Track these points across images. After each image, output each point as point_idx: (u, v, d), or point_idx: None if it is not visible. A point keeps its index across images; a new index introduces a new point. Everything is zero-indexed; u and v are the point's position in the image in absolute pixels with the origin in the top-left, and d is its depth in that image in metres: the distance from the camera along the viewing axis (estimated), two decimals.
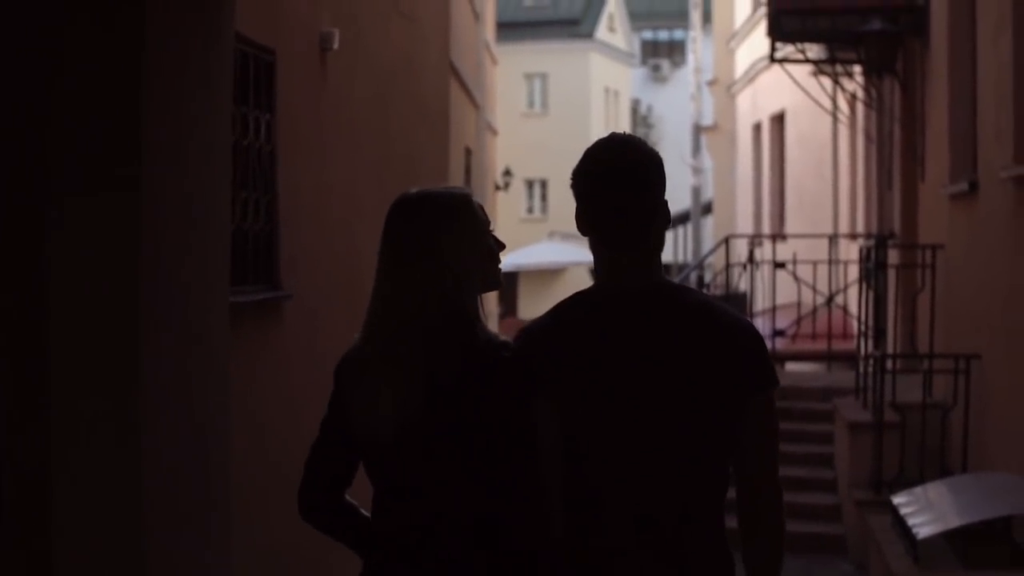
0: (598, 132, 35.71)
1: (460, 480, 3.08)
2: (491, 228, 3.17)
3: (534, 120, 44.14)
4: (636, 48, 52.23)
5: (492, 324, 21.70)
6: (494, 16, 22.40)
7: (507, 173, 28.28)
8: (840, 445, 11.17)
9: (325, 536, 3.25)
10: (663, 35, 52.89)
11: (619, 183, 2.97)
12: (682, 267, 28.23)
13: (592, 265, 3.11)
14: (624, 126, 49.14)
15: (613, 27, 48.23)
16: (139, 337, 3.72)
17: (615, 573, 2.99)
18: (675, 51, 51.31)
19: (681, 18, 42.55)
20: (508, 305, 42.00)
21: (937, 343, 10.32)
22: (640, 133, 51.91)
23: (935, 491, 8.22)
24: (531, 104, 45.01)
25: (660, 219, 3.03)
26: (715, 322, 3.00)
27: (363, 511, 3.26)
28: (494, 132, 21.10)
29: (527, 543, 3.05)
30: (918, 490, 8.33)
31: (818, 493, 11.25)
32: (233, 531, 4.59)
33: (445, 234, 3.06)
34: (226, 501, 4.42)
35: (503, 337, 3.17)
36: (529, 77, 44.74)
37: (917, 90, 11.71)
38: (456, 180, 13.87)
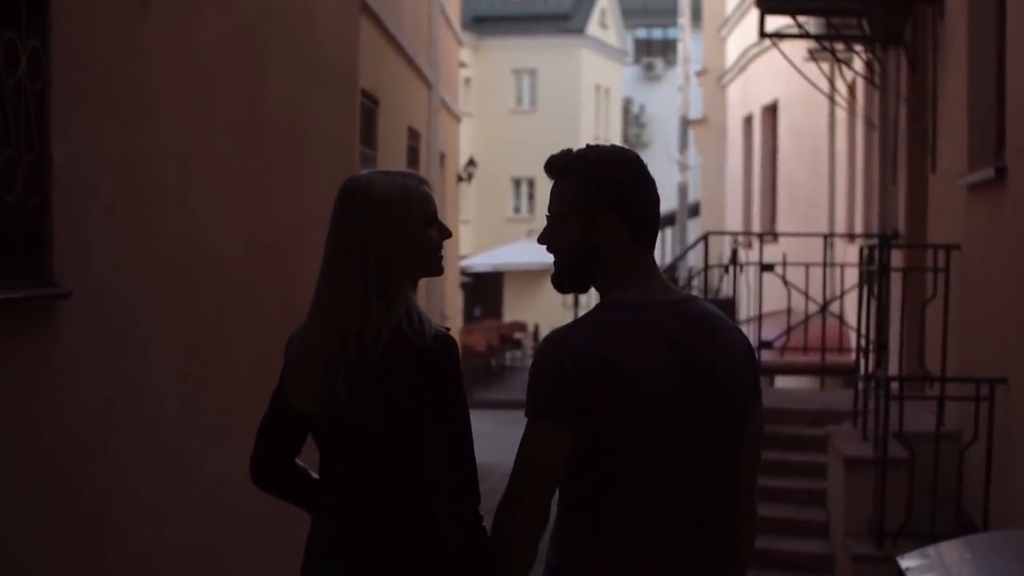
0: (588, 131, 34.66)
1: (380, 461, 3.16)
2: (434, 216, 3.22)
3: (522, 117, 43.21)
4: (629, 46, 51.39)
5: (455, 323, 20.22)
6: None
7: (471, 163, 26.64)
8: (834, 483, 9.43)
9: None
10: (657, 33, 52.17)
11: (654, 189, 3.11)
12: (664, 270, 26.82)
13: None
14: (615, 125, 47.98)
15: (605, 23, 47.17)
16: None
17: None
18: (669, 49, 50.26)
19: (675, 15, 41.61)
20: (492, 306, 40.56)
21: (951, 363, 8.64)
22: (632, 133, 51.01)
23: (953, 553, 6.52)
24: (519, 101, 44.06)
25: None
26: (726, 330, 3.09)
27: (312, 473, 3.36)
28: (456, 118, 19.37)
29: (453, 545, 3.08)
30: (931, 551, 6.63)
31: (806, 539, 9.47)
32: None
33: (374, 227, 3.15)
34: None
35: (443, 328, 3.20)
36: (518, 73, 43.87)
37: (928, 65, 10.08)
38: (392, 160, 12.19)
